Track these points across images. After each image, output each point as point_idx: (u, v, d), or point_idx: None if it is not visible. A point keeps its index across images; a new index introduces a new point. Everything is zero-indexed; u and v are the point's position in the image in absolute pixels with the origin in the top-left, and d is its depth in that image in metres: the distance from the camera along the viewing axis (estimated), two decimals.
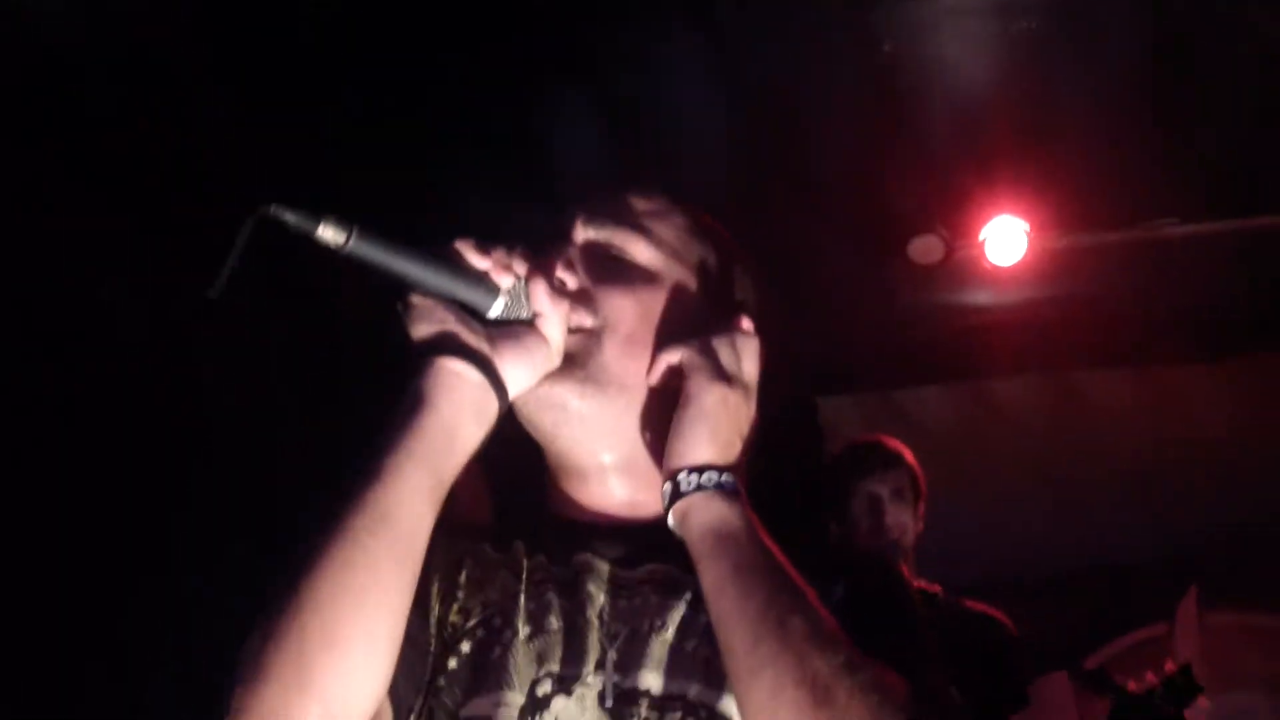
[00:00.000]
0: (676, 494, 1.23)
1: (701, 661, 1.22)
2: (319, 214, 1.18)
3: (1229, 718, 4.87)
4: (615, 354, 1.33)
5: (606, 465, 1.36)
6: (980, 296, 4.54)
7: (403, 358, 1.25)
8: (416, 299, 1.24)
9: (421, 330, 1.23)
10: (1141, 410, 5.10)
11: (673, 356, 1.31)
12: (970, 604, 3.59)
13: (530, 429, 1.37)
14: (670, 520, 1.24)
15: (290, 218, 1.17)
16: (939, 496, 3.76)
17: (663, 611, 1.26)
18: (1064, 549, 5.05)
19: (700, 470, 1.22)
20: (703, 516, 1.21)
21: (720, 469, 1.23)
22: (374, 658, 1.12)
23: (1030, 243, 4.31)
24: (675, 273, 1.40)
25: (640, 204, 1.44)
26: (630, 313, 1.35)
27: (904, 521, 3.61)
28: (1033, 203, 4.25)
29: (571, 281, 1.35)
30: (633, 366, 1.34)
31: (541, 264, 1.31)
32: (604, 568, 1.30)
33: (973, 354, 4.73)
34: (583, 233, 1.42)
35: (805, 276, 4.19)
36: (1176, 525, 5.02)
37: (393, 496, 1.15)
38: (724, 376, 1.28)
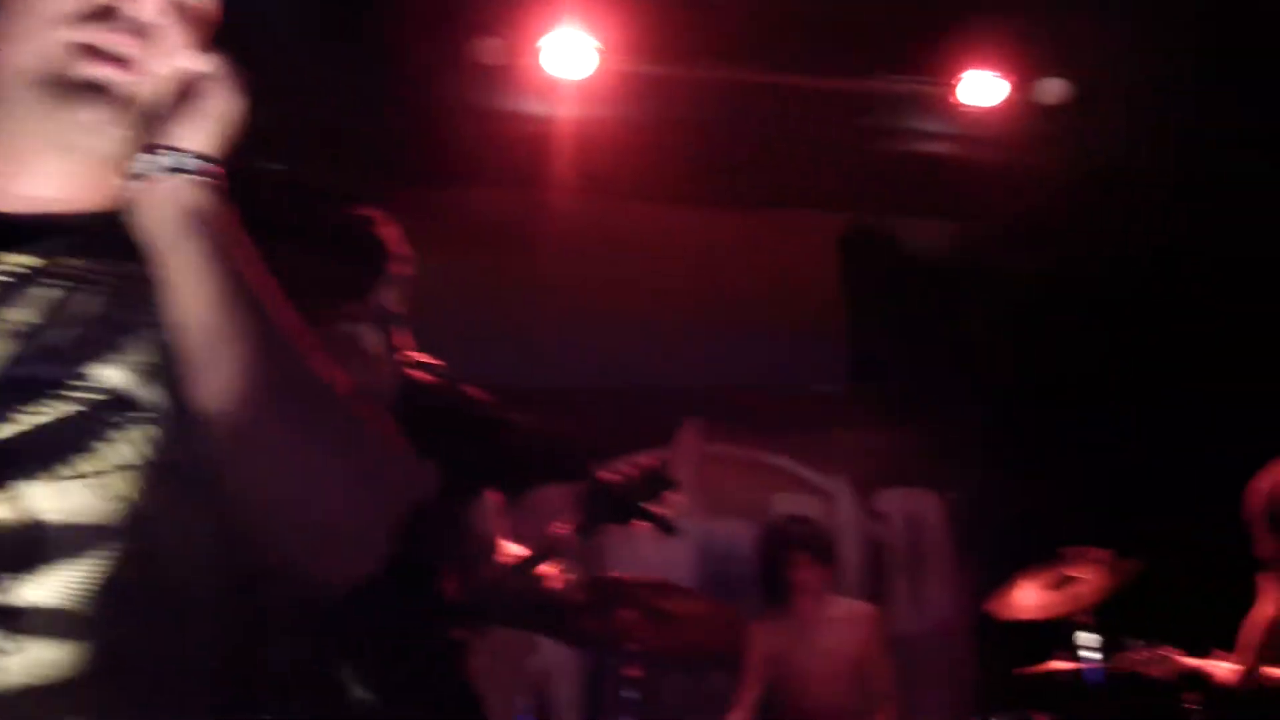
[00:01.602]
0: (155, 166, 1.15)
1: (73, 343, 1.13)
2: None
3: (708, 542, 5.25)
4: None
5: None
6: (538, 107, 4.48)
7: None
8: None
9: None
10: (684, 249, 5.24)
11: (200, 61, 1.23)
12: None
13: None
14: (132, 190, 1.15)
15: None
16: (474, 300, 3.61)
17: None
18: (579, 365, 5.20)
19: (194, 155, 1.17)
20: (184, 196, 1.14)
21: (212, 160, 1.17)
22: None
23: (600, 61, 4.26)
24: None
25: None
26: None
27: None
28: (604, 20, 4.18)
29: None
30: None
31: None
32: None
33: (527, 163, 4.69)
34: None
35: (367, 68, 4.00)
36: (694, 359, 5.25)
37: None
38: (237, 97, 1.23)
